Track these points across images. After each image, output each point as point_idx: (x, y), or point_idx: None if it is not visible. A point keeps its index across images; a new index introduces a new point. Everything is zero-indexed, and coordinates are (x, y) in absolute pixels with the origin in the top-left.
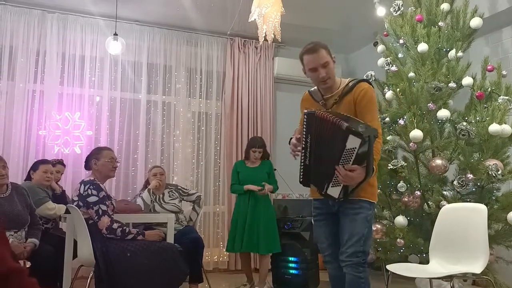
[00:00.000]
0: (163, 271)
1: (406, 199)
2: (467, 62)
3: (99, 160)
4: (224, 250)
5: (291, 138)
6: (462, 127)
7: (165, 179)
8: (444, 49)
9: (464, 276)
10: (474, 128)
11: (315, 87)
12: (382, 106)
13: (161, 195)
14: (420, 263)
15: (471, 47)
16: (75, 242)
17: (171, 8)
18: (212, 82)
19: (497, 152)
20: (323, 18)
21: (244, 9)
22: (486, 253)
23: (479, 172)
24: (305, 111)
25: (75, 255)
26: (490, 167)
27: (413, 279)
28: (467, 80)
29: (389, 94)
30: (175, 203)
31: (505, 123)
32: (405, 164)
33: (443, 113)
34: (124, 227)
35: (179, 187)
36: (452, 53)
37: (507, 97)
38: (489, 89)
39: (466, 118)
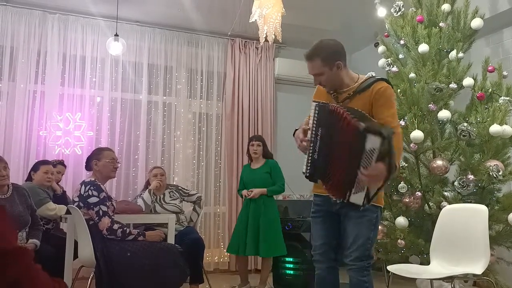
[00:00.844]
0: (163, 271)
1: (407, 200)
2: (468, 63)
3: (100, 160)
4: (225, 250)
5: (296, 130)
6: (463, 127)
7: (165, 179)
8: (445, 50)
9: (465, 277)
10: (475, 129)
11: None
12: None
13: (161, 196)
14: (421, 264)
15: (472, 48)
16: (76, 243)
17: (172, 8)
18: (212, 82)
19: (498, 153)
20: (324, 18)
21: (244, 9)
22: (487, 254)
23: (480, 173)
24: (316, 102)
25: (75, 256)
26: (491, 168)
27: (414, 280)
28: (467, 81)
29: None
30: (175, 204)
31: (506, 124)
32: (406, 165)
33: (444, 114)
34: (125, 228)
35: (179, 188)
36: (453, 53)
37: (507, 98)
38: (490, 89)
39: (467, 119)
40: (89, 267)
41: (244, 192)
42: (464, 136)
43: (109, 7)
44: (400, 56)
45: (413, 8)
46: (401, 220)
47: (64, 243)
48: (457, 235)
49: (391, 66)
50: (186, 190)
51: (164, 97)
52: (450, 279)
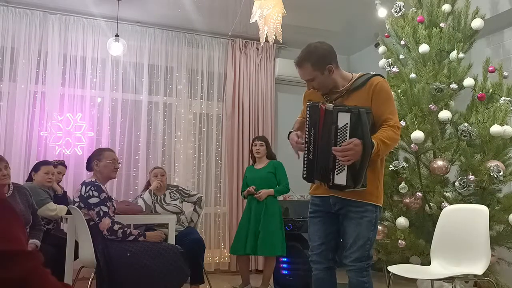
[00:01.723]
0: (164, 272)
1: (408, 200)
2: (468, 63)
3: (100, 161)
4: (225, 251)
5: (290, 132)
6: (464, 128)
7: (166, 180)
8: (446, 50)
9: (465, 278)
10: (475, 129)
11: None
12: None
13: (162, 196)
14: (421, 264)
15: (473, 48)
16: (76, 243)
17: (173, 9)
18: (213, 83)
19: (499, 153)
20: (324, 19)
21: (245, 10)
22: (487, 255)
23: (481, 173)
24: (308, 103)
25: (76, 256)
26: (492, 168)
27: (414, 280)
28: (468, 81)
29: None
30: (176, 204)
31: (507, 124)
32: (407, 165)
33: (445, 114)
34: (125, 228)
35: (180, 188)
36: (453, 54)
37: (508, 98)
38: (491, 90)
39: (468, 119)
40: (89, 268)
41: (250, 188)
42: (464, 136)
43: (110, 7)
44: (401, 56)
45: (413, 8)
46: (402, 221)
47: (65, 243)
48: (457, 236)
49: (392, 66)
50: (187, 190)
51: (165, 98)
52: (450, 279)
